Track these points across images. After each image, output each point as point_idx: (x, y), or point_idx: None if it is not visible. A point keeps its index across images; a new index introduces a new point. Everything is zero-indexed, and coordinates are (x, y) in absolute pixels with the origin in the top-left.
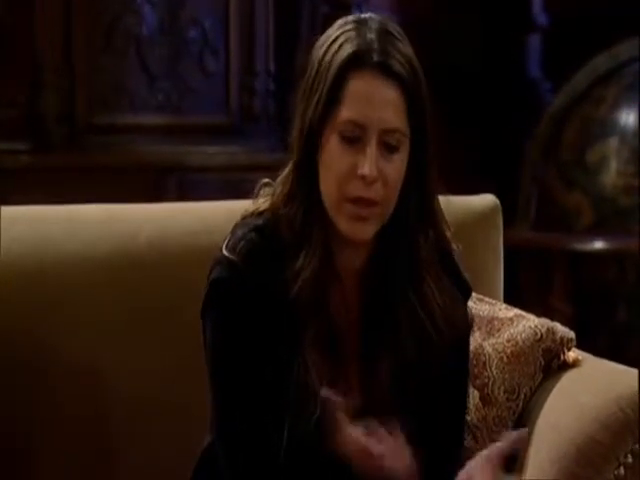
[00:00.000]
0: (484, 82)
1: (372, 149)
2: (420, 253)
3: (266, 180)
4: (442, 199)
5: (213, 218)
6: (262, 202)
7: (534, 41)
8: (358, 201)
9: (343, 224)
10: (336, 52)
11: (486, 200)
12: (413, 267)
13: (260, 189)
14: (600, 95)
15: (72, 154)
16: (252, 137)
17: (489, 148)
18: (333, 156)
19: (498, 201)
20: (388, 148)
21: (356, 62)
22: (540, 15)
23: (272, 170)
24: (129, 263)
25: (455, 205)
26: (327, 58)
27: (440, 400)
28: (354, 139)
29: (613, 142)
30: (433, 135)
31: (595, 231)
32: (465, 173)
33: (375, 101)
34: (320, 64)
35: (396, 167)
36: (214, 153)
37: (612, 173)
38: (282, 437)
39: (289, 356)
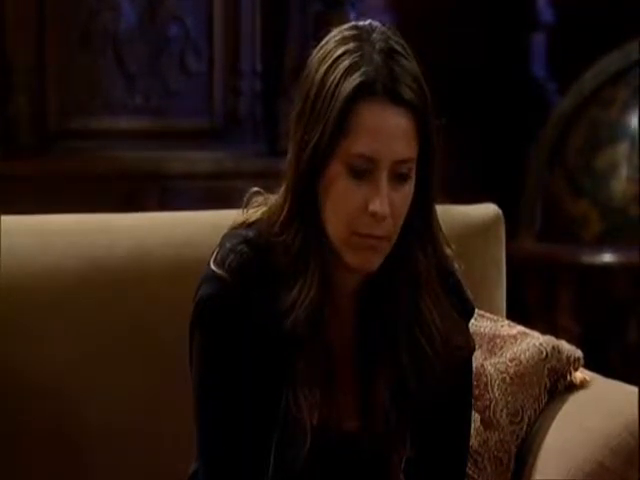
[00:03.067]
0: (485, 82)
1: (384, 184)
2: (419, 271)
3: (256, 189)
4: (440, 209)
5: (197, 229)
6: (252, 212)
7: (539, 39)
8: (367, 236)
9: (350, 256)
10: (342, 79)
11: (487, 209)
12: (412, 287)
13: (250, 199)
14: (609, 97)
15: (44, 160)
16: (238, 142)
17: (490, 153)
18: (341, 191)
19: (500, 210)
20: (398, 178)
21: (364, 91)
22: (545, 11)
23: (259, 177)
24: (105, 279)
25: (454, 215)
26: (331, 83)
27: (441, 429)
28: (364, 172)
29: (623, 147)
30: (439, 153)
31: (604, 242)
32: (465, 180)
33: (386, 133)
34: (322, 88)
35: (405, 196)
36: (197, 159)
37: (622, 180)
38: (268, 468)
39: (279, 384)
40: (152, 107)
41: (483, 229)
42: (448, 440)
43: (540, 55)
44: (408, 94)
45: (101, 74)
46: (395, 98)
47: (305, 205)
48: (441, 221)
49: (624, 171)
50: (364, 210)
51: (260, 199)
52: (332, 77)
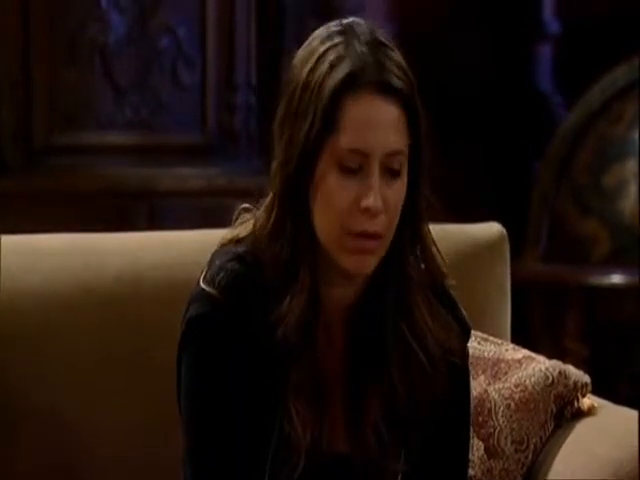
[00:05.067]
0: (489, 96)
1: (376, 178)
2: (411, 275)
3: (245, 205)
4: (442, 228)
5: (189, 249)
6: (242, 228)
7: (545, 50)
8: (362, 235)
9: (345, 259)
10: (327, 73)
11: (491, 229)
12: (402, 290)
13: (239, 215)
14: (618, 111)
15: (29, 177)
16: (231, 158)
17: (494, 169)
18: (332, 189)
19: (504, 230)
20: (391, 172)
21: (351, 83)
22: (551, 22)
23: (254, 195)
24: (94, 300)
25: (456, 234)
26: (316, 79)
27: (438, 446)
28: (355, 168)
29: (632, 164)
30: (428, 147)
31: (613, 263)
32: (467, 198)
33: (376, 124)
34: (307, 86)
35: (398, 191)
36: (189, 176)
37: (631, 198)
38: None
39: (271, 403)
40: (142, 122)
41: (487, 249)
42: (445, 459)
43: (546, 67)
44: (397, 82)
45: (89, 87)
46: (384, 88)
47: (294, 209)
48: (443, 241)
49: (633, 189)
50: (356, 207)
51: (249, 215)
52: (317, 73)
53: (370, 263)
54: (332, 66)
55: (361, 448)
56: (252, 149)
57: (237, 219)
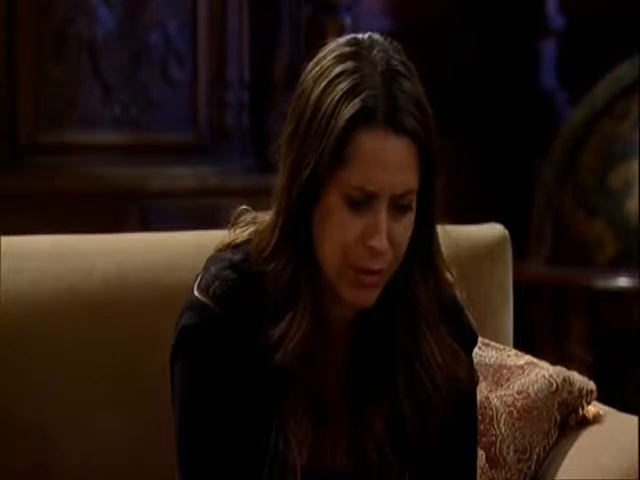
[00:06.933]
0: (491, 93)
1: (383, 217)
2: (420, 302)
3: (244, 207)
4: (441, 229)
5: (180, 251)
6: (240, 232)
7: (549, 47)
8: (364, 271)
9: (345, 291)
10: (339, 104)
11: (493, 230)
12: (411, 319)
13: (237, 217)
14: (623, 109)
15: (14, 177)
16: (224, 157)
17: (496, 169)
18: (338, 223)
19: (506, 231)
20: (399, 209)
21: (363, 119)
22: (555, 17)
23: (247, 194)
24: (82, 304)
25: (457, 236)
26: (327, 106)
27: (444, 467)
28: (362, 203)
29: (638, 163)
30: (441, 180)
31: (619, 266)
32: (468, 198)
33: (386, 164)
34: (318, 111)
35: (405, 227)
36: (180, 175)
37: (637, 199)
38: None
39: (267, 421)
40: (131, 120)
41: (488, 251)
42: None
43: (550, 64)
44: (410, 123)
45: (76, 84)
46: (396, 127)
47: (297, 232)
48: (443, 243)
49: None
50: (362, 243)
51: (248, 217)
52: (329, 99)
53: (371, 297)
54: (344, 97)
55: (362, 464)
56: (245, 147)
57: (235, 221)
